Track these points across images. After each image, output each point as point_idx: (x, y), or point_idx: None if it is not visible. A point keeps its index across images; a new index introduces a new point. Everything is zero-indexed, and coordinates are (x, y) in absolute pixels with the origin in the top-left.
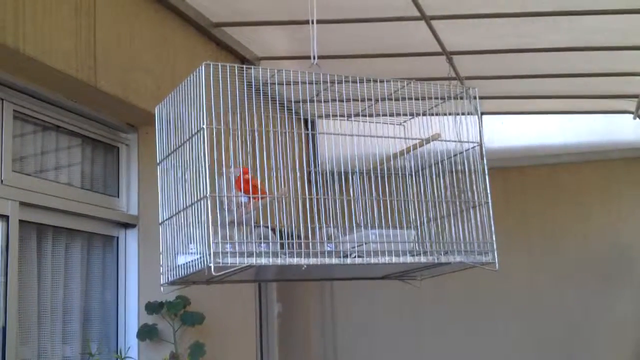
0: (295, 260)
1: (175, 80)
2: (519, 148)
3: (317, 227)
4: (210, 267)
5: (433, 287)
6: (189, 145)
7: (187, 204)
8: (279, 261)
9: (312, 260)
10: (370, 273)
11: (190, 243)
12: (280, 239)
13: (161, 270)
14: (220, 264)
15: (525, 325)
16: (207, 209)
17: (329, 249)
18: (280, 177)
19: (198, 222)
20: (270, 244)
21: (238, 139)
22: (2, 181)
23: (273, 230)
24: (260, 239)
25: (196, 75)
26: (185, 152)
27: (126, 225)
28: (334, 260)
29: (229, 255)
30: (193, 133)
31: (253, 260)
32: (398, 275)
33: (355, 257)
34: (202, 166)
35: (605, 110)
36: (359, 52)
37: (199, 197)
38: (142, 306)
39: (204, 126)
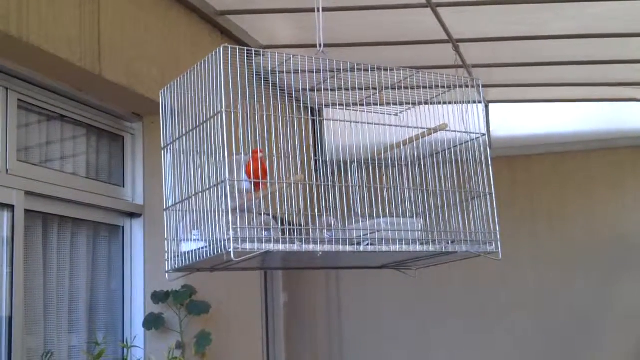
0: (311, 247)
1: (180, 68)
2: (526, 136)
3: (327, 215)
4: (229, 252)
5: (439, 278)
6: (202, 129)
7: (200, 189)
8: (295, 247)
9: (327, 247)
10: (369, 262)
11: (195, 229)
12: (282, 226)
13: (166, 257)
14: (240, 250)
15: (530, 317)
16: (226, 194)
17: (340, 236)
18: (291, 164)
19: (210, 208)
20: (279, 231)
21: (248, 125)
22: (7, 171)
23: (275, 218)
24: (271, 225)
25: (213, 59)
26: (196, 136)
27: (132, 215)
28: (348, 248)
29: (248, 240)
30: (208, 117)
31: (271, 246)
32: (395, 265)
33: (368, 244)
34: (219, 150)
35: (613, 98)
36: (365, 40)
37: (216, 182)
38: (148, 295)
39: (223, 109)
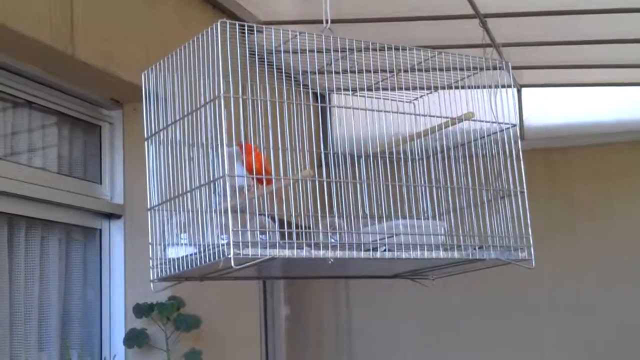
0: (321, 253)
1: (166, 47)
2: (564, 126)
3: (337, 217)
4: (229, 259)
5: (462, 287)
6: (194, 117)
7: (191, 186)
8: (303, 253)
9: (340, 254)
10: (380, 271)
11: (183, 232)
12: (288, 229)
13: (150, 264)
14: (241, 256)
15: (570, 330)
16: (225, 192)
17: (353, 241)
18: (297, 157)
19: (202, 208)
20: (285, 234)
21: (250, 112)
22: None
23: (274, 219)
24: (276, 228)
25: (208, 36)
26: (187, 125)
27: (110, 216)
28: (363, 254)
29: (249, 245)
30: (202, 103)
31: (277, 252)
32: (410, 273)
33: (385, 250)
34: (217, 141)
35: None
36: (378, 15)
37: (212, 178)
38: (129, 308)
39: (222, 94)
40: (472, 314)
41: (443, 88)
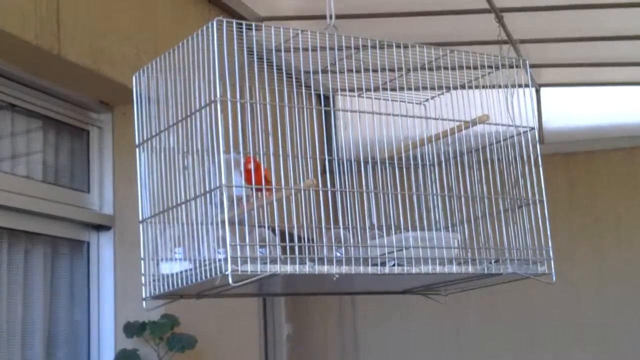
0: (325, 269)
1: (158, 47)
2: (587, 128)
3: (344, 229)
4: (226, 275)
5: (479, 305)
6: (188, 122)
7: (188, 197)
8: (306, 269)
9: (345, 269)
10: (390, 286)
11: (178, 246)
12: (290, 242)
13: (142, 281)
14: (239, 272)
15: (593, 350)
16: (223, 203)
17: (360, 255)
18: (299, 165)
19: (198, 220)
20: (286, 248)
21: (248, 117)
22: None
23: (273, 231)
24: (276, 242)
25: (204, 35)
26: (182, 131)
27: (99, 228)
28: (370, 269)
29: (248, 261)
30: (198, 107)
31: (278, 268)
32: (422, 289)
33: (394, 265)
34: (213, 149)
35: None
36: (385, 10)
37: (208, 188)
38: (119, 327)
39: (218, 98)
40: (489, 332)
41: (455, 88)
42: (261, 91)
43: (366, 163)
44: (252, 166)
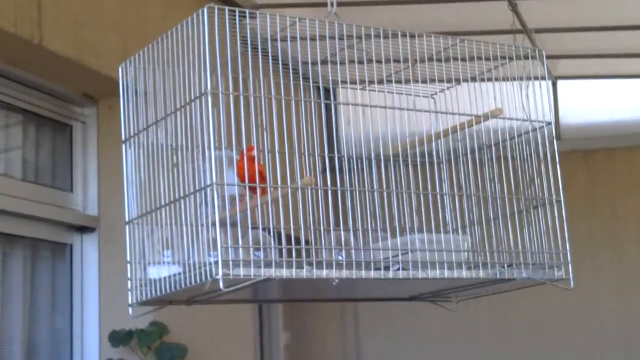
0: (324, 273)
1: (148, 36)
2: (606, 124)
3: (346, 230)
4: (217, 280)
5: (490, 311)
6: (178, 116)
7: (177, 196)
8: (304, 273)
9: (346, 273)
10: (396, 292)
11: (167, 249)
12: (286, 245)
13: (129, 286)
14: (231, 276)
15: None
16: (214, 202)
17: (362, 259)
18: (298, 162)
19: (188, 221)
20: (283, 250)
21: (242, 111)
22: None
23: (270, 233)
24: (260, 243)
25: (194, 23)
26: (171, 126)
27: (82, 229)
28: (373, 274)
29: (241, 264)
30: (189, 100)
31: (272, 272)
32: (430, 295)
33: (398, 269)
34: (202, 145)
35: None
36: None
37: (199, 187)
38: (104, 336)
39: (209, 90)
40: (502, 343)
41: (467, 81)
42: (256, 83)
43: (370, 160)
44: (248, 157)
